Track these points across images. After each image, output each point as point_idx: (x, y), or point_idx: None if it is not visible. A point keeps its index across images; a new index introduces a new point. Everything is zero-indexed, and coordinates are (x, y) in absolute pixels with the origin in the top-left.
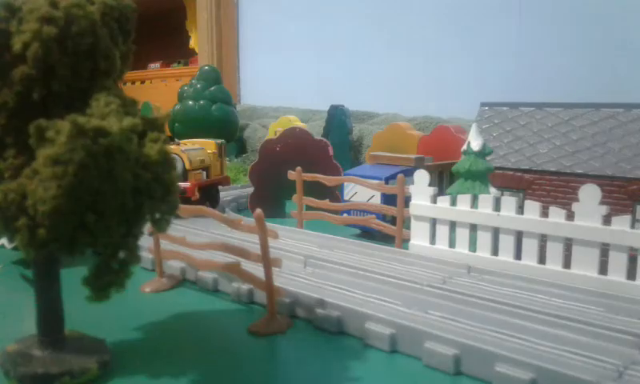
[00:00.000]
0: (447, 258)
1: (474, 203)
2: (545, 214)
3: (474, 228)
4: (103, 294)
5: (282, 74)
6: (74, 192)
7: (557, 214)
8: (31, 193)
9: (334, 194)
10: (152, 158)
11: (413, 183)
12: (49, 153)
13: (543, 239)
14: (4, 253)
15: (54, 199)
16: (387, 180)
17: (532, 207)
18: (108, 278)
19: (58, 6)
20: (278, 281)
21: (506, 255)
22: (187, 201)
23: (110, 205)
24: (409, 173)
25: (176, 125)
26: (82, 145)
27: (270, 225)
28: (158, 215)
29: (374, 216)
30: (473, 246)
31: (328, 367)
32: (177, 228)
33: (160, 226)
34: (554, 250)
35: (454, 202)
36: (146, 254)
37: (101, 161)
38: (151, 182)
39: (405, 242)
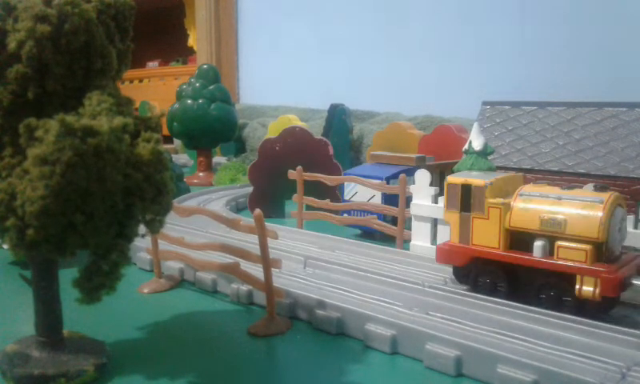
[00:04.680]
0: None
1: None
2: None
3: None
4: (94, 296)
5: (281, 72)
6: (62, 192)
7: None
8: (20, 193)
9: (335, 193)
10: (144, 157)
11: (414, 183)
12: (37, 152)
13: None
14: (2, 253)
15: (42, 199)
16: (388, 180)
17: None
18: (98, 280)
19: (51, 4)
20: (278, 282)
21: None
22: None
23: (99, 205)
24: (410, 172)
25: (174, 124)
26: (70, 144)
27: (270, 225)
28: (149, 216)
29: (375, 216)
30: None
31: (328, 369)
32: (175, 228)
33: (153, 228)
34: None
35: None
36: (144, 255)
37: (89, 161)
38: (142, 183)
39: (406, 242)
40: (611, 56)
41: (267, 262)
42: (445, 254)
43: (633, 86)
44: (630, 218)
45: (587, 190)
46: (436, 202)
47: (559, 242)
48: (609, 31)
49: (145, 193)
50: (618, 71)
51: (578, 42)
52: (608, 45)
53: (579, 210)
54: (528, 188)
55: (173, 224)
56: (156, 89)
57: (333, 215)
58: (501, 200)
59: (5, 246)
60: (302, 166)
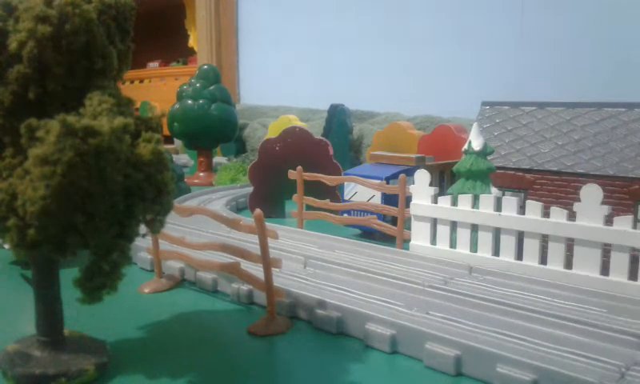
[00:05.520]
0: (448, 259)
1: (475, 203)
2: (546, 214)
3: (475, 228)
4: (95, 296)
5: (281, 72)
6: (63, 192)
7: (558, 214)
8: (21, 193)
9: (335, 193)
10: (144, 157)
11: (413, 183)
12: (38, 152)
13: (544, 239)
14: (3, 253)
15: (43, 199)
16: (388, 180)
17: (533, 207)
18: (99, 280)
19: (52, 5)
20: (278, 281)
21: (507, 256)
22: None
23: (100, 206)
24: (410, 172)
25: (175, 124)
26: (71, 144)
27: (270, 225)
28: (149, 216)
29: (375, 216)
30: (474, 246)
31: (328, 368)
32: (176, 228)
33: (153, 228)
34: (556, 251)
35: (454, 202)
36: (145, 255)
37: (90, 161)
38: (143, 183)
39: (405, 242)
40: (612, 55)
41: (267, 262)
42: None
43: (633, 84)
44: (630, 218)
45: None
46: (435, 201)
47: None
48: (609, 30)
49: (145, 193)
50: (620, 70)
51: (579, 41)
52: (608, 42)
53: None
54: None
55: (173, 224)
56: (156, 89)
57: (333, 215)
58: None
59: (6, 246)
60: (302, 166)
